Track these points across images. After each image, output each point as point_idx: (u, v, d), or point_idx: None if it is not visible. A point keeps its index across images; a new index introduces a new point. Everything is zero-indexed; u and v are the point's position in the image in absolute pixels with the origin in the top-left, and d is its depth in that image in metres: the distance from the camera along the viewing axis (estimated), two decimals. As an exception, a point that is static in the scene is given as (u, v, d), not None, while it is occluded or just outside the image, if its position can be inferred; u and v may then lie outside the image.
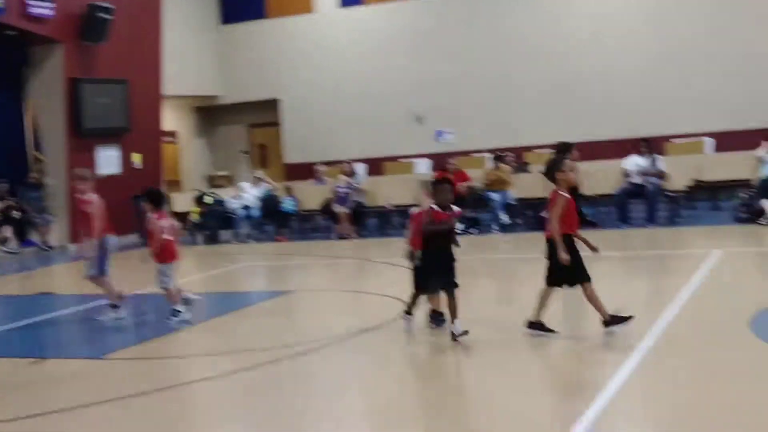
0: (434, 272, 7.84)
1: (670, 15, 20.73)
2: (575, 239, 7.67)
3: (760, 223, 14.40)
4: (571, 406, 5.79)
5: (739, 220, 14.97)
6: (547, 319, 7.63)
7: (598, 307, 7.50)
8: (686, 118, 20.10)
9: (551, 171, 7.88)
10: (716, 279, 10.09)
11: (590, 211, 16.49)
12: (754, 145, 15.88)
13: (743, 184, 15.71)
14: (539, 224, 16.65)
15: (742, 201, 15.29)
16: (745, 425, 5.18)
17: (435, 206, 7.82)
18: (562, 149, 12.68)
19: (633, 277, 11.03)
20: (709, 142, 18.93)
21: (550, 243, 7.58)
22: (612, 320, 7.48)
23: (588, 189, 16.12)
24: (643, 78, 20.85)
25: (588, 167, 16.72)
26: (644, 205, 16.01)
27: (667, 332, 7.53)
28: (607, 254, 12.99)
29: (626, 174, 16.09)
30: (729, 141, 18.40)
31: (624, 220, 15.90)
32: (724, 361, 6.64)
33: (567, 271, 7.50)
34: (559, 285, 7.61)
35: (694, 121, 19.93)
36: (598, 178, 16.52)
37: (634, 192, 16.01)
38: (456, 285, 7.75)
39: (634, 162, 16.14)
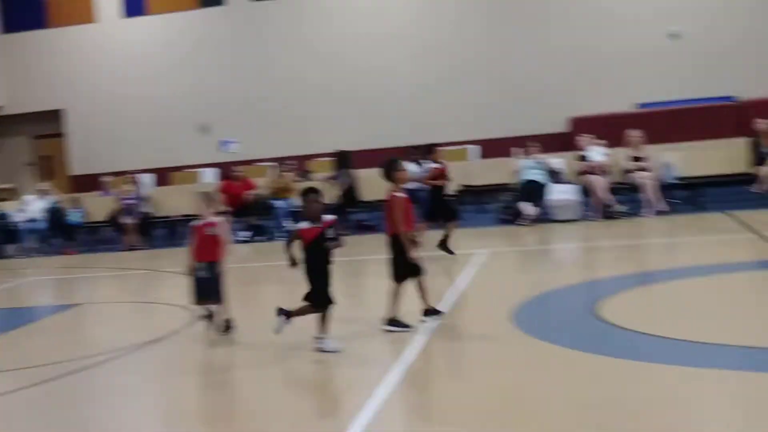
0: (321, 288, 7.24)
1: (440, 34, 21.59)
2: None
3: (519, 224, 15.22)
4: (348, 404, 5.90)
5: (502, 222, 15.76)
6: (401, 315, 7.76)
7: (392, 303, 7.71)
8: (455, 127, 20.96)
9: (389, 171, 7.87)
10: (483, 276, 10.56)
11: (368, 216, 16.94)
12: (510, 152, 16.81)
13: (505, 188, 16.55)
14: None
15: (505, 204, 16.09)
16: (512, 410, 5.45)
17: (304, 223, 7.21)
18: (423, 152, 12.98)
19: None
20: (474, 150, 19.78)
21: (393, 242, 7.66)
22: (394, 322, 7.71)
23: (366, 195, 16.60)
24: (416, 91, 21.59)
25: (367, 174, 17.12)
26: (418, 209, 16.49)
27: (439, 327, 7.80)
28: (383, 256, 13.44)
29: (401, 180, 16.50)
30: (493, 148, 19.32)
31: (400, 223, 16.28)
32: (490, 351, 6.97)
33: (410, 266, 7.67)
34: (405, 280, 7.73)
35: (463, 130, 20.81)
36: (375, 184, 16.88)
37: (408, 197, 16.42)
38: (332, 302, 7.28)
39: (408, 169, 16.57)
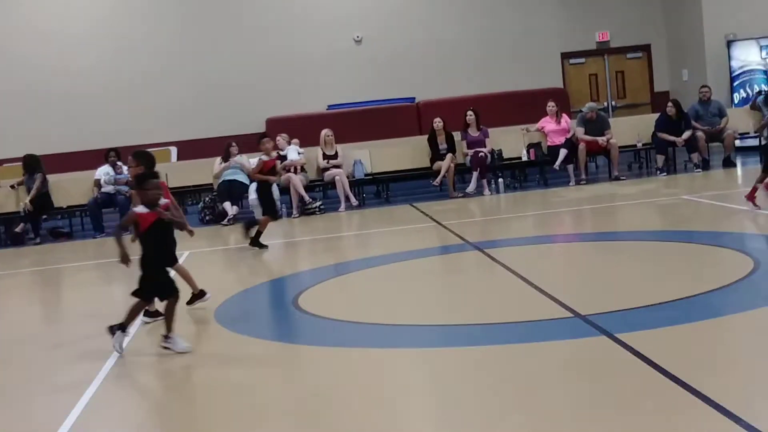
0: (158, 277, 6.59)
1: (137, 33, 20.98)
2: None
3: (223, 224, 15.17)
4: (55, 407, 5.60)
5: (205, 222, 15.62)
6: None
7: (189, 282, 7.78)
8: (156, 128, 20.46)
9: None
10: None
11: (61, 223, 16.27)
12: (210, 153, 16.75)
13: (206, 188, 16.44)
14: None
15: (206, 204, 15.96)
16: (219, 407, 5.43)
17: (141, 208, 6.51)
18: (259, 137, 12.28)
19: (108, 283, 10.97)
20: (173, 151, 19.46)
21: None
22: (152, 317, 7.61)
23: (61, 201, 15.95)
24: (114, 92, 20.81)
25: (60, 179, 16.39)
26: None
27: (145, 328, 7.59)
28: (85, 263, 12.87)
29: (98, 184, 15.95)
30: (194, 149, 19.11)
31: (99, 229, 15.68)
32: (196, 350, 6.89)
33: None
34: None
35: (161, 131, 20.35)
36: (70, 189, 16.24)
37: (106, 201, 15.91)
38: (176, 290, 6.70)
39: (105, 172, 16.05)
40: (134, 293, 6.62)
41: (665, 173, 16.21)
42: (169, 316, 6.63)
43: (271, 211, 12.12)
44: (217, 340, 7.10)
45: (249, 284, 9.54)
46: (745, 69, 20.00)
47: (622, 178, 16.10)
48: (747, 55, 19.95)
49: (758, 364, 5.08)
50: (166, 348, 6.59)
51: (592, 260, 9.32)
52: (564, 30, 21.89)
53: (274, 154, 12.67)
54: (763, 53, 19.79)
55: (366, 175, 16.53)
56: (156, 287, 6.63)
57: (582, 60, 22.36)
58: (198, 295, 8.11)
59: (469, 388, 5.22)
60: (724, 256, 8.47)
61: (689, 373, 4.80)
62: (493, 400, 4.94)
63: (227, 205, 15.52)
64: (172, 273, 7.43)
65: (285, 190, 15.72)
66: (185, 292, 7.84)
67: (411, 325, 6.88)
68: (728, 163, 16.51)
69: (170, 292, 6.64)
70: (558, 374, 5.27)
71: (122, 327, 6.64)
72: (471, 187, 16.05)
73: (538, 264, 9.14)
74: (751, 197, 10.73)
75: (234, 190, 15.80)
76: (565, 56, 22.17)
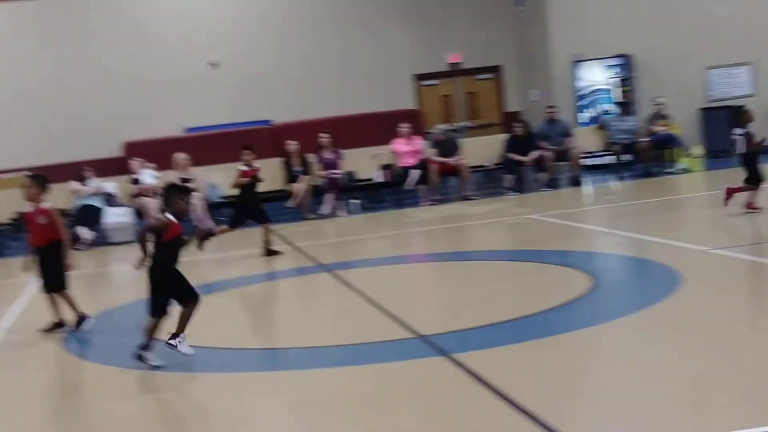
0: (175, 288, 6.52)
1: (3, 62, 20.20)
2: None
3: (77, 249, 14.74)
4: None
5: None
6: None
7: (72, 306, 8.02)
8: (7, 155, 19.69)
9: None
10: (36, 305, 10.07)
11: None
12: (66, 178, 16.27)
13: (62, 213, 15.91)
14: None
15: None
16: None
17: (172, 216, 6.47)
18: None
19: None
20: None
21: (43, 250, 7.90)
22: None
23: None
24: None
25: None
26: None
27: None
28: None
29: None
30: (49, 173, 18.44)
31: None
32: (46, 380, 6.73)
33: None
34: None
35: (15, 157, 19.59)
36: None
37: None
38: (197, 295, 6.56)
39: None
40: (153, 313, 6.54)
41: (515, 193, 16.76)
42: (185, 318, 6.51)
43: (261, 217, 12.29)
44: (65, 367, 6.95)
45: (101, 310, 9.34)
46: (593, 89, 20.72)
47: (472, 198, 16.57)
48: (593, 75, 20.75)
49: (587, 383, 5.30)
50: (171, 347, 6.46)
51: (439, 280, 9.62)
52: (416, 52, 22.34)
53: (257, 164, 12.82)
54: (609, 73, 20.61)
55: (222, 197, 16.39)
56: (178, 294, 6.52)
57: (435, 81, 22.88)
58: (59, 325, 8.17)
59: (303, 410, 5.31)
60: (565, 274, 8.74)
61: (519, 392, 4.95)
62: (325, 422, 5.03)
63: (83, 229, 15.13)
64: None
65: (141, 214, 15.47)
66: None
67: (251, 349, 6.96)
68: (575, 182, 17.20)
69: (193, 297, 6.53)
70: (392, 395, 5.41)
71: (145, 347, 6.52)
72: (326, 209, 16.19)
73: (387, 285, 9.38)
74: (749, 206, 10.73)
75: (90, 215, 15.43)
76: (419, 78, 22.64)
